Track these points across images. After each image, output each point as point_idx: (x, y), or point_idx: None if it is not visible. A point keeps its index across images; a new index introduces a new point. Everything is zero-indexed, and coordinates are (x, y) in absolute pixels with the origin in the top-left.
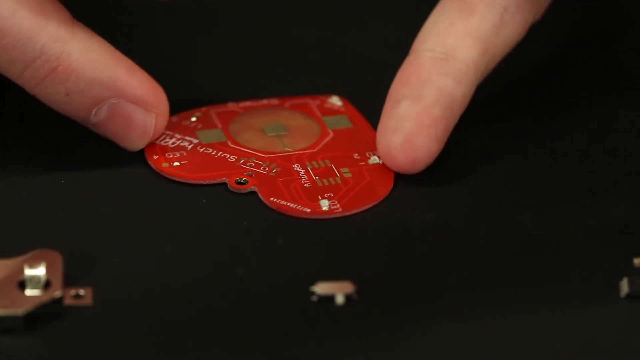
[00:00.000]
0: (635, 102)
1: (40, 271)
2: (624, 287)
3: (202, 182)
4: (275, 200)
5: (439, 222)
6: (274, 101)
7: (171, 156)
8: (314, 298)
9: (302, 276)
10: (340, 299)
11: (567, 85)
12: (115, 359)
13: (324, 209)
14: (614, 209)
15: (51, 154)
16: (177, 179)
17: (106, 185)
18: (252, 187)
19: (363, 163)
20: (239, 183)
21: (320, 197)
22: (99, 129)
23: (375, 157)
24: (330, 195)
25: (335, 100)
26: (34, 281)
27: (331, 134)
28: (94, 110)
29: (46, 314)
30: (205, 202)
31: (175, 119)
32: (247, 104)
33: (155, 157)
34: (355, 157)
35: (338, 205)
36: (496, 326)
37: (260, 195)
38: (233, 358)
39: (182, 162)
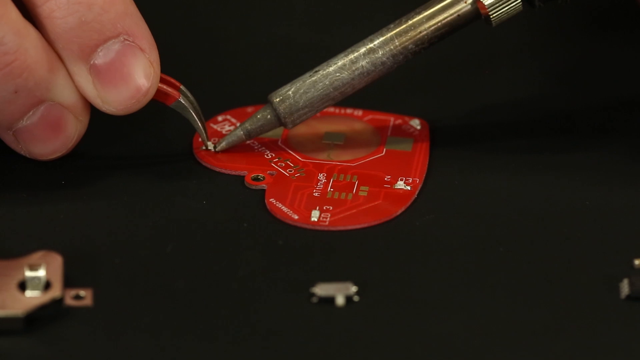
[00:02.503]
0: (634, 103)
1: (40, 272)
2: (624, 288)
3: (223, 171)
4: (273, 201)
5: (439, 223)
6: (358, 112)
7: (215, 141)
8: (314, 299)
9: (302, 277)
10: (340, 300)
11: (567, 86)
12: None
13: (312, 219)
14: (614, 209)
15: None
16: (203, 164)
17: (106, 185)
18: (264, 185)
19: (388, 186)
20: (255, 179)
21: (316, 208)
22: (23, 133)
23: (401, 183)
24: (328, 207)
25: (415, 124)
26: (35, 282)
27: (382, 154)
28: (31, 112)
29: (46, 315)
30: (205, 203)
31: (250, 109)
32: (331, 109)
33: (200, 139)
34: (385, 178)
35: (327, 220)
36: (496, 326)
37: (265, 194)
38: (233, 358)
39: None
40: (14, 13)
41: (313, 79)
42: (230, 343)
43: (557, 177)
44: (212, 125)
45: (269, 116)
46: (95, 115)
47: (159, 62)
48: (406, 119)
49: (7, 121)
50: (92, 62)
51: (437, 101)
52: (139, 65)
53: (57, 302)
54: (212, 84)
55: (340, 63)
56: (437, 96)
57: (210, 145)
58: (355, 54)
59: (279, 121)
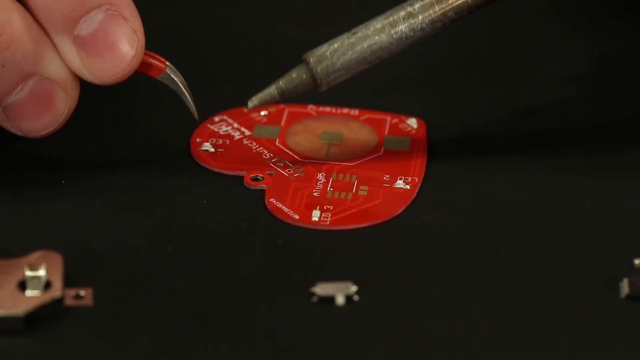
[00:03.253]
0: (634, 103)
1: (40, 272)
2: (624, 287)
3: (222, 171)
4: (273, 201)
5: (438, 223)
6: (354, 112)
7: (213, 142)
8: (314, 299)
9: (302, 277)
10: (340, 300)
11: (567, 86)
12: None
13: (313, 219)
14: (614, 209)
15: (51, 154)
16: (201, 164)
17: (106, 185)
18: (263, 185)
19: (387, 185)
20: (254, 180)
21: (317, 208)
22: (13, 109)
23: (401, 182)
24: (329, 207)
25: (412, 122)
26: (35, 282)
27: (381, 153)
28: (19, 86)
29: (47, 315)
30: (205, 203)
31: (246, 109)
32: (327, 109)
33: (197, 140)
34: (384, 178)
35: (328, 219)
36: (496, 326)
37: (265, 194)
38: (233, 358)
39: (218, 150)
40: None
41: (351, 40)
42: (230, 343)
43: (557, 177)
44: (209, 125)
45: (304, 76)
46: (96, 115)
47: (142, 31)
48: (403, 118)
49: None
50: (75, 34)
51: (433, 100)
52: (123, 34)
53: (57, 302)
54: (209, 84)
55: (379, 26)
56: (434, 95)
57: (209, 146)
58: (395, 17)
59: (314, 82)
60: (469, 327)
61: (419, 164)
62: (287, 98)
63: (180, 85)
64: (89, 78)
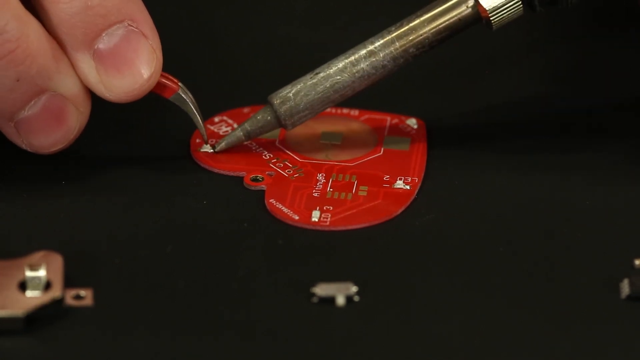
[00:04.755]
0: (634, 103)
1: (40, 272)
2: (625, 288)
3: (222, 172)
4: (273, 202)
5: (439, 223)
6: (354, 112)
7: (212, 142)
8: (315, 299)
9: (302, 277)
10: (340, 300)
11: (567, 86)
12: None
13: (313, 219)
14: (614, 209)
15: (51, 154)
16: (201, 165)
17: (106, 186)
18: (263, 186)
19: (387, 185)
20: (254, 180)
21: (317, 208)
22: (24, 124)
23: (401, 182)
24: (329, 207)
25: (412, 123)
26: (35, 282)
27: (380, 153)
28: (32, 102)
29: (47, 315)
30: (205, 203)
31: (247, 110)
32: (327, 109)
33: (197, 140)
34: (384, 178)
35: (328, 220)
36: (496, 326)
37: (265, 195)
38: (233, 358)
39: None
40: (15, 1)
41: (314, 81)
42: (230, 343)
43: (557, 177)
44: (209, 126)
45: (269, 117)
46: (96, 116)
47: (161, 49)
48: (402, 118)
49: (8, 111)
50: (95, 48)
51: (433, 101)
52: (142, 51)
53: (57, 302)
54: (209, 84)
55: (340, 65)
56: (433, 96)
57: (208, 147)
58: (356, 56)
59: (278, 123)
60: (469, 327)
61: (418, 164)
62: (253, 138)
63: (192, 106)
64: (106, 95)
